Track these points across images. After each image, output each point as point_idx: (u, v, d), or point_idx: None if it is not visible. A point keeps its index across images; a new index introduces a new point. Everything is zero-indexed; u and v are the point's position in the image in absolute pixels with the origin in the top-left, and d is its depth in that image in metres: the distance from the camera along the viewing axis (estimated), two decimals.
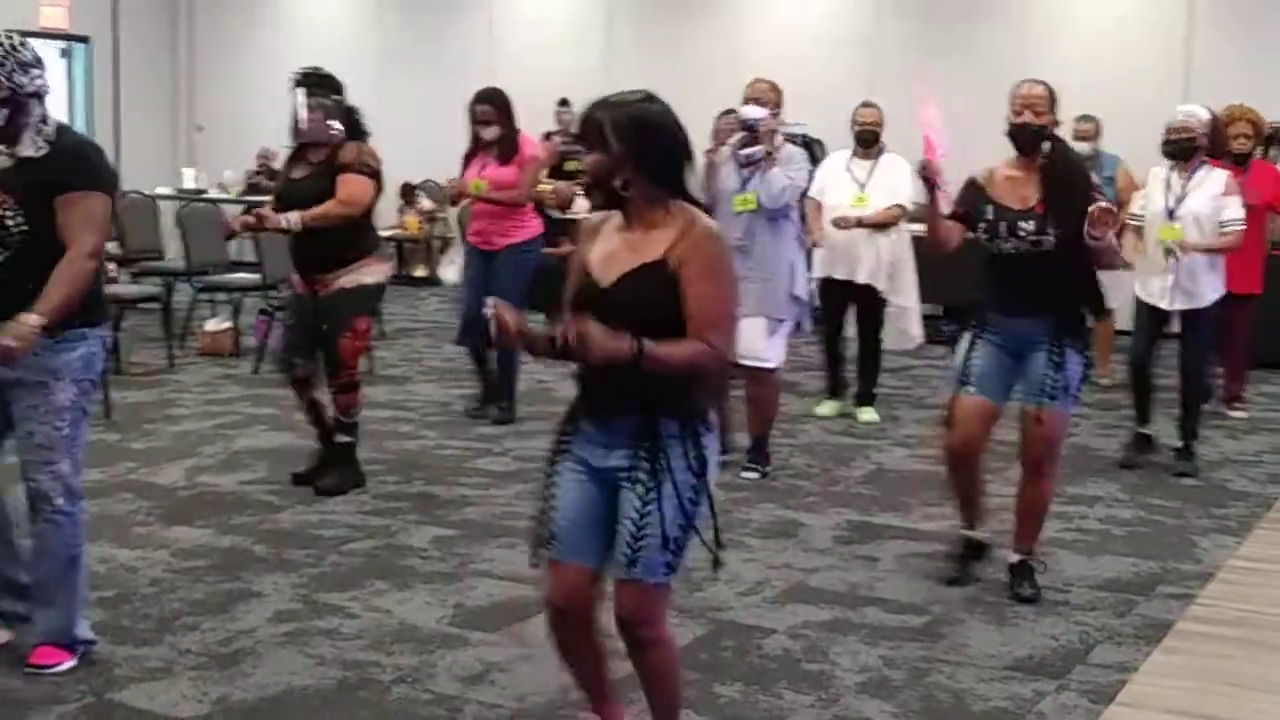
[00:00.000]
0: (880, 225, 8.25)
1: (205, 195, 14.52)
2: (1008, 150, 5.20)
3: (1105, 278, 5.29)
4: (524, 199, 8.07)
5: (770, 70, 7.44)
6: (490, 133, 7.90)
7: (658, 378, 3.24)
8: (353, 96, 6.48)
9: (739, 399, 7.04)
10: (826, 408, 8.62)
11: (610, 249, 3.36)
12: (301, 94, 6.32)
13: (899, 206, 8.29)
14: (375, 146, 6.46)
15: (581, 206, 10.70)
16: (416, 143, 12.97)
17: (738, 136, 6.92)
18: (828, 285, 8.41)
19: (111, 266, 10.25)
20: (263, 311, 9.95)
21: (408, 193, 14.85)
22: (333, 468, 6.51)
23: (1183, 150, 7.13)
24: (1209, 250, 7.13)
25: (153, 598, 5.00)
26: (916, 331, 8.74)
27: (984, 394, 5.16)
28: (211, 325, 10.39)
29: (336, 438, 6.51)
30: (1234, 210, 7.12)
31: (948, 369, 5.58)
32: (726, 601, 5.07)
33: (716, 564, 3.50)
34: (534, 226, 8.21)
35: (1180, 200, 7.14)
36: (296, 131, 6.41)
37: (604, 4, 14.71)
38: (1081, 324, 5.18)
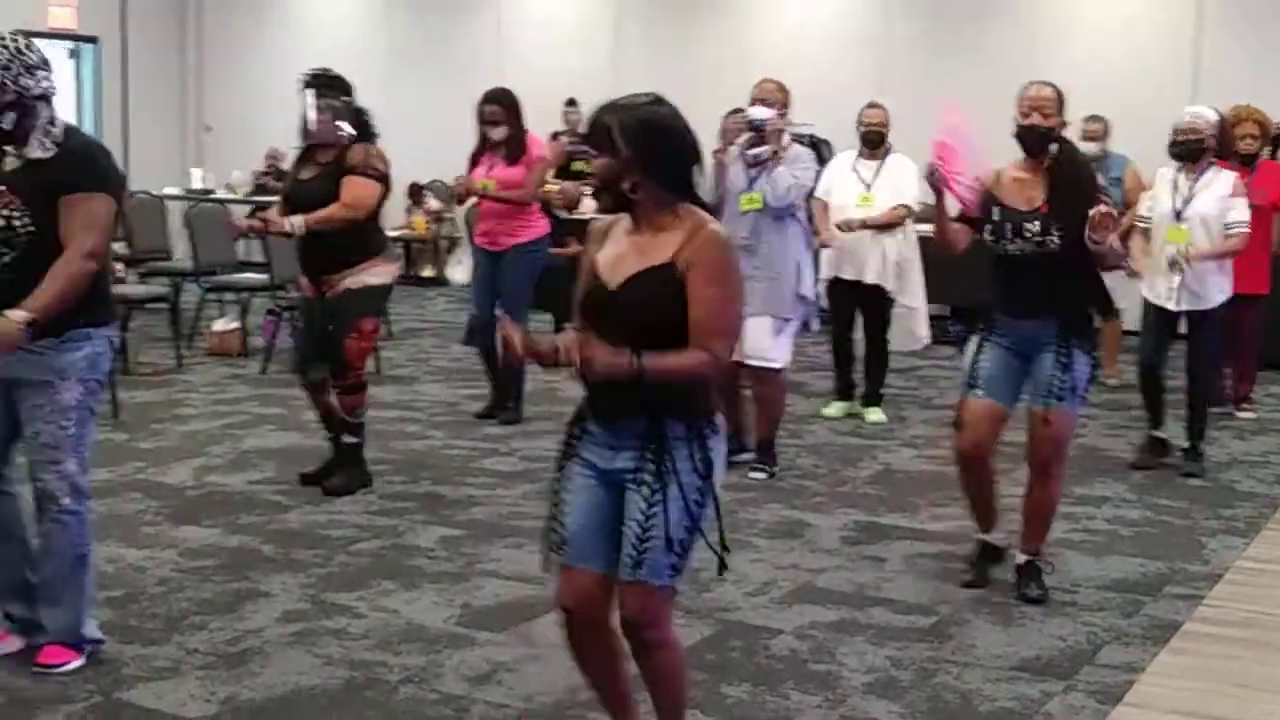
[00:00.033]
0: (885, 226, 8.25)
1: (213, 195, 14.55)
2: (1015, 151, 5.20)
3: (1112, 278, 5.28)
4: (530, 199, 8.08)
5: (778, 70, 7.44)
6: (498, 133, 7.91)
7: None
8: (361, 96, 6.49)
9: (750, 399, 7.05)
10: (834, 408, 8.62)
11: (619, 252, 3.37)
12: (311, 95, 6.32)
13: (904, 207, 8.29)
14: (383, 148, 6.46)
15: (588, 206, 10.69)
16: (424, 143, 12.98)
17: (745, 137, 6.93)
18: (836, 285, 8.41)
19: (119, 266, 10.27)
20: (270, 312, 9.97)
21: (415, 193, 14.87)
22: (340, 468, 6.52)
23: (1190, 152, 7.12)
24: (1214, 257, 7.13)
25: (161, 597, 5.01)
26: (923, 332, 8.74)
27: (991, 397, 5.16)
28: (219, 325, 10.41)
29: (343, 438, 6.52)
30: (1239, 213, 7.11)
31: (956, 370, 5.58)
32: (734, 602, 5.07)
33: (721, 568, 3.49)
34: (540, 226, 8.22)
35: (1187, 201, 7.13)
36: (305, 133, 6.41)
37: (612, 4, 14.71)
38: (1088, 325, 5.18)
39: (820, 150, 9.93)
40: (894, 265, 8.33)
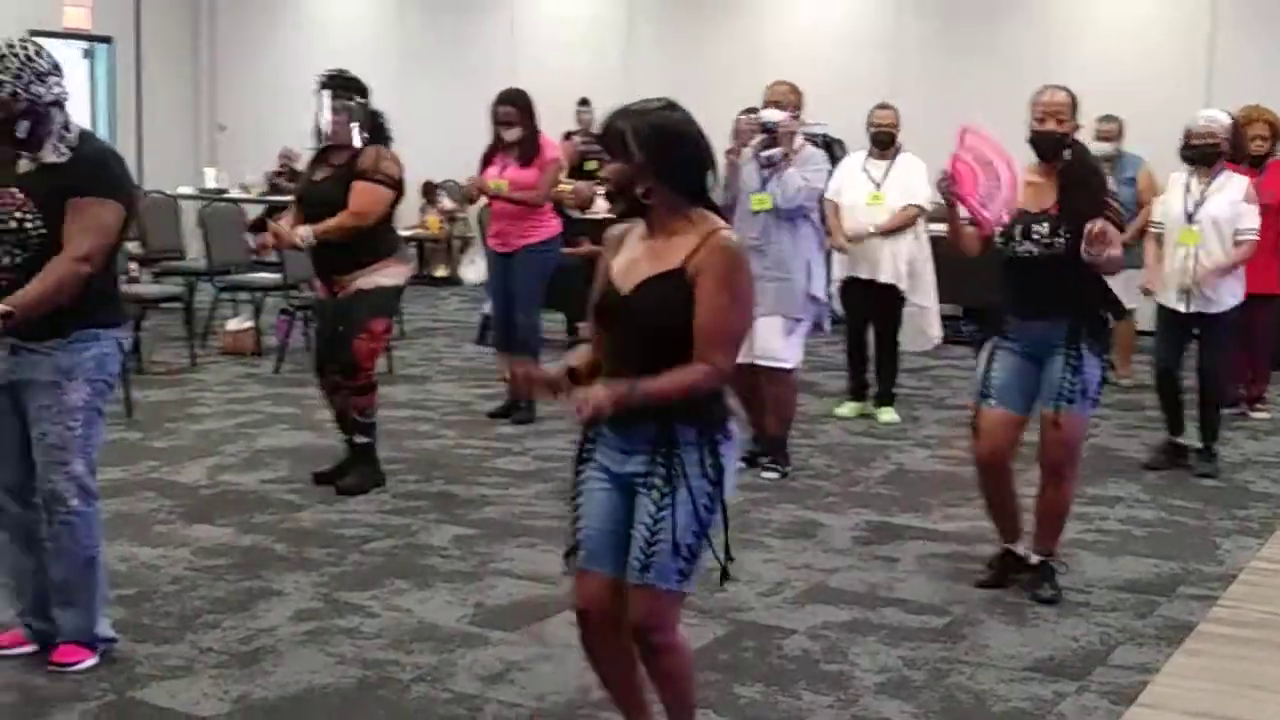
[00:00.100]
0: (896, 229, 8.25)
1: (227, 195, 14.57)
2: (1027, 151, 5.19)
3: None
4: (542, 201, 8.09)
5: (791, 70, 7.45)
6: (512, 134, 7.91)
7: None
8: (375, 96, 6.50)
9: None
10: (847, 408, 8.61)
11: (632, 257, 3.38)
12: (327, 96, 6.33)
13: (915, 206, 8.29)
14: (397, 150, 6.46)
15: (601, 207, 10.70)
16: (438, 143, 13.00)
17: (759, 138, 6.92)
18: (849, 285, 8.41)
19: (133, 266, 10.30)
20: (284, 311, 9.99)
21: (430, 191, 14.88)
22: (353, 467, 6.53)
23: (1205, 156, 7.12)
24: (1223, 271, 7.12)
25: (174, 596, 5.02)
26: (935, 331, 8.73)
27: (1005, 406, 5.14)
28: (233, 324, 10.43)
29: (355, 438, 6.53)
30: (1249, 220, 7.12)
31: (969, 369, 5.57)
32: (746, 602, 5.07)
33: (724, 576, 3.50)
34: (552, 227, 8.22)
35: (1199, 204, 7.13)
36: (319, 134, 6.42)
37: (625, 4, 14.72)
38: (1099, 326, 5.16)
39: (833, 150, 9.93)
40: (906, 265, 8.34)
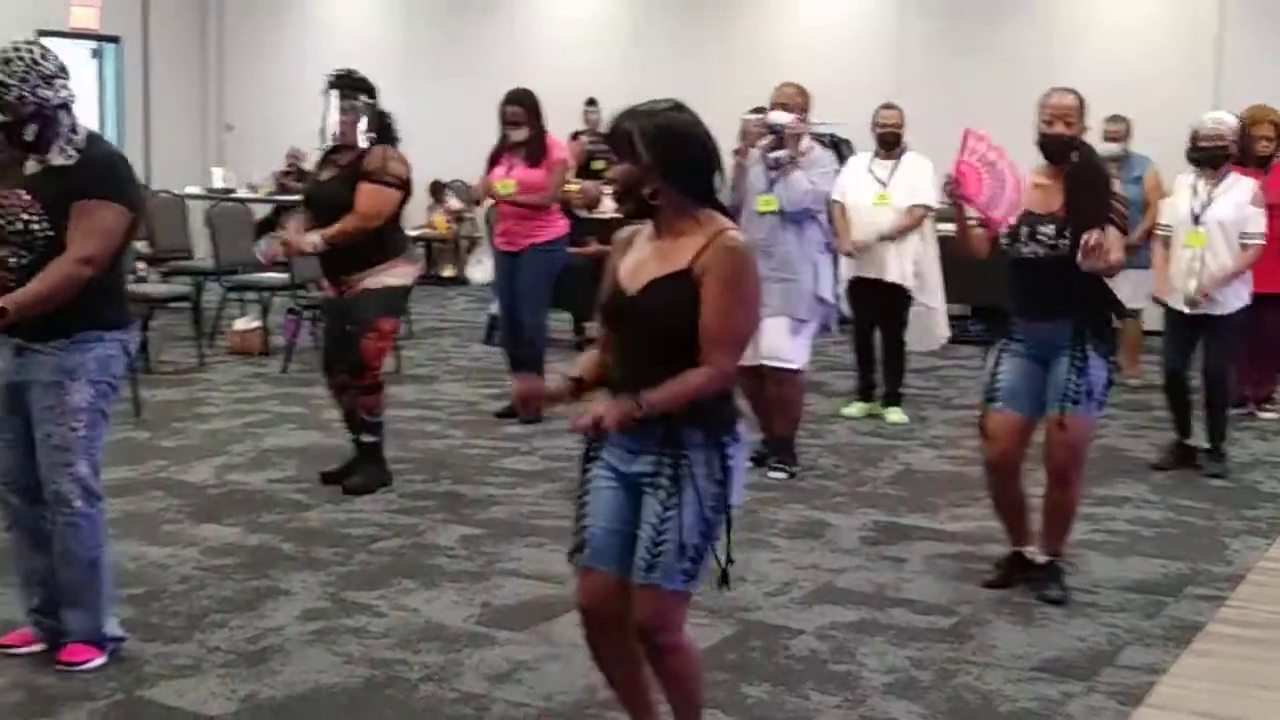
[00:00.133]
0: (902, 231, 8.25)
1: (234, 195, 14.59)
2: (1033, 151, 5.19)
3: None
4: (550, 202, 8.09)
5: (796, 71, 7.45)
6: (520, 134, 7.92)
7: None
8: (381, 96, 6.50)
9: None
10: (855, 408, 8.60)
11: (640, 258, 3.39)
12: (335, 96, 6.34)
13: (922, 206, 8.28)
14: (404, 150, 6.47)
15: (608, 206, 10.71)
16: (445, 143, 12.98)
17: (766, 140, 6.92)
18: (856, 285, 8.40)
19: (141, 265, 10.32)
20: (291, 311, 10.00)
21: (437, 190, 14.88)
22: (360, 467, 6.54)
23: (1213, 158, 7.11)
24: (1228, 279, 7.10)
25: (182, 595, 5.02)
26: (943, 331, 8.73)
27: (1012, 409, 5.14)
28: (240, 324, 10.44)
29: (362, 437, 6.53)
30: (1256, 224, 7.11)
31: (977, 370, 5.57)
32: (754, 602, 5.07)
33: (723, 581, 3.49)
34: (559, 226, 8.22)
35: (1206, 206, 7.12)
36: (325, 135, 6.43)
37: (630, 4, 14.72)
38: (1105, 327, 5.15)
39: (841, 150, 9.92)
40: (913, 264, 8.33)
